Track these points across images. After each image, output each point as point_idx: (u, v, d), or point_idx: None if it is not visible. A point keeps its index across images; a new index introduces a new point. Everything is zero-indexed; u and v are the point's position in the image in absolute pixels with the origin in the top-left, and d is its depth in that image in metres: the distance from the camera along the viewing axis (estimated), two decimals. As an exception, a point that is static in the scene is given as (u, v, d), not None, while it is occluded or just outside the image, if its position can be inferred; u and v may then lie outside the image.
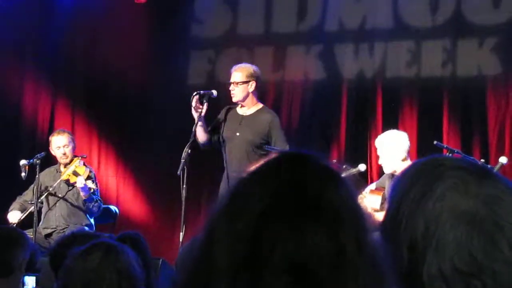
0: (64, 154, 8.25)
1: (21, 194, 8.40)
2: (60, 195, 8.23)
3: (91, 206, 8.11)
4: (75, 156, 8.34)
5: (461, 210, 1.39)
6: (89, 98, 10.47)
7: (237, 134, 7.45)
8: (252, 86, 7.49)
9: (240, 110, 7.60)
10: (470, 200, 1.40)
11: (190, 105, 7.47)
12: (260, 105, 7.62)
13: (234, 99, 7.54)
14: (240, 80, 7.47)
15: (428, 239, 1.38)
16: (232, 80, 7.51)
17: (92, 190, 8.03)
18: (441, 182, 1.43)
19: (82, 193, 8.02)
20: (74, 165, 8.18)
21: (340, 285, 1.15)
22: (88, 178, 8.07)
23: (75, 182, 8.04)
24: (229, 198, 1.25)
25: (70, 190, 8.23)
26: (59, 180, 8.17)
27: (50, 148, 8.39)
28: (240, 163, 7.30)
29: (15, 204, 8.32)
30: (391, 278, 1.22)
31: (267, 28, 10.06)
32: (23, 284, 4.17)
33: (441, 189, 1.42)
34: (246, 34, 10.17)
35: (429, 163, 1.50)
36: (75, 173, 8.09)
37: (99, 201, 8.19)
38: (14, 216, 8.15)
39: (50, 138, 8.47)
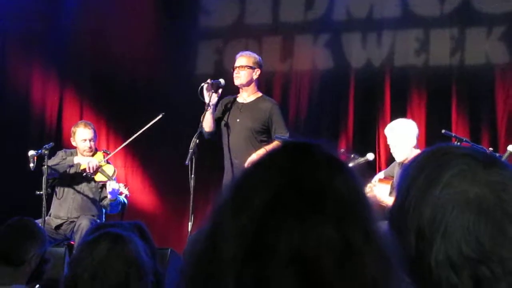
0: (90, 147, 8.23)
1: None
2: (75, 187, 8.19)
3: (114, 207, 8.11)
4: (97, 150, 8.34)
5: (468, 197, 1.39)
6: (97, 89, 10.47)
7: (238, 120, 7.50)
8: (257, 73, 7.59)
9: (240, 98, 7.66)
10: (477, 187, 1.40)
11: (200, 95, 7.50)
12: (260, 94, 7.70)
13: (237, 82, 7.60)
14: (247, 64, 7.56)
15: (436, 226, 1.39)
16: (237, 64, 7.61)
17: (123, 195, 8.03)
18: (448, 169, 1.43)
19: (109, 196, 8.00)
20: (101, 163, 8.15)
21: (347, 277, 1.15)
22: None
23: (101, 181, 8.05)
24: (233, 190, 1.24)
25: (86, 184, 8.18)
26: (83, 172, 8.13)
27: (71, 138, 8.34)
28: (241, 149, 7.36)
29: (56, 159, 8.22)
30: (399, 268, 1.22)
31: (274, 17, 10.05)
32: None
33: (448, 176, 1.42)
34: (254, 24, 10.17)
35: (436, 151, 1.51)
36: (104, 173, 8.08)
37: (123, 202, 8.18)
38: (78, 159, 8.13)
39: (73, 129, 8.38)
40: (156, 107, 9.97)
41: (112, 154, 8.41)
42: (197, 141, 7.29)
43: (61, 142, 8.47)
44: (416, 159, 1.53)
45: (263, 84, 9.24)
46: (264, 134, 7.47)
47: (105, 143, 10.23)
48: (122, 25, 10.22)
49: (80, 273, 2.69)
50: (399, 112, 8.68)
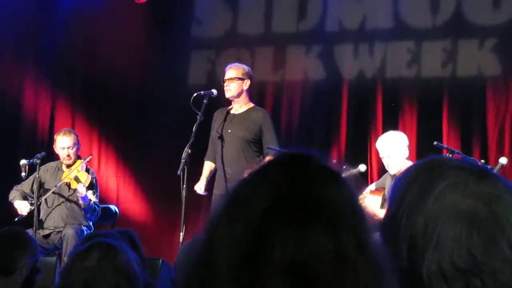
0: (68, 155, 8.17)
1: (17, 184, 8.32)
2: (60, 197, 8.17)
3: (88, 215, 8.07)
4: (79, 158, 8.30)
5: (461, 209, 1.40)
6: (89, 98, 10.46)
7: (229, 131, 7.52)
8: (246, 84, 7.61)
9: (232, 110, 7.70)
10: (470, 199, 1.41)
11: (192, 105, 7.52)
12: (252, 104, 7.72)
13: (227, 95, 7.63)
14: (236, 76, 7.59)
15: (428, 237, 1.39)
16: (227, 77, 7.64)
17: (91, 202, 7.97)
18: (441, 181, 1.44)
19: (80, 202, 7.97)
20: (77, 169, 8.12)
21: (340, 285, 1.15)
22: (90, 186, 8.02)
23: (76, 189, 8.01)
24: (229, 200, 1.25)
25: (71, 194, 8.16)
26: (60, 183, 8.11)
27: (54, 146, 8.35)
28: (233, 160, 7.39)
29: (15, 192, 8.20)
30: (392, 279, 1.22)
31: (267, 28, 10.06)
32: None
33: (441, 188, 1.43)
34: (246, 34, 10.18)
35: (429, 163, 1.51)
36: (77, 179, 8.04)
37: (97, 209, 8.12)
38: (23, 207, 7.98)
39: (55, 136, 8.38)
40: (148, 116, 10.00)
41: (85, 161, 8.32)
42: (189, 151, 7.30)
43: (53, 151, 8.43)
44: (409, 170, 1.53)
45: (255, 94, 9.24)
46: (258, 144, 7.50)
47: (97, 151, 10.21)
48: (115, 34, 10.22)
49: (71, 283, 2.69)
50: (391, 123, 8.70)
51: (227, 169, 7.42)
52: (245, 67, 7.78)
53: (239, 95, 7.61)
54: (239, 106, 7.65)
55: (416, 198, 1.43)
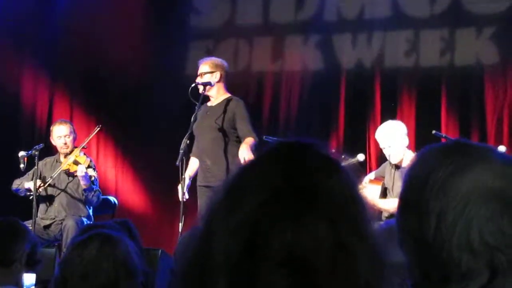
0: (65, 144, 8.25)
1: (17, 178, 8.35)
2: (60, 187, 8.22)
3: (90, 196, 8.11)
4: (76, 147, 8.33)
5: (493, 188, 1.45)
6: (87, 89, 10.46)
7: (205, 123, 7.49)
8: (216, 76, 7.58)
9: (209, 103, 7.68)
10: (502, 180, 1.46)
11: (190, 95, 7.50)
12: (228, 95, 7.68)
13: (200, 90, 7.60)
14: (204, 71, 7.59)
15: (460, 210, 1.43)
16: (198, 72, 7.59)
17: (93, 178, 8.04)
18: (473, 160, 1.49)
19: (82, 182, 8.00)
20: (75, 155, 8.18)
21: (339, 277, 1.15)
22: (89, 167, 8.08)
23: (76, 172, 8.04)
24: (227, 190, 1.24)
25: (70, 182, 8.22)
26: (59, 170, 8.15)
27: (50, 138, 8.40)
28: (209, 151, 7.41)
29: (19, 180, 8.28)
30: (391, 268, 1.22)
31: (265, 18, 10.05)
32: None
33: (474, 166, 1.47)
34: (244, 24, 10.17)
35: (460, 143, 1.57)
36: (76, 162, 8.09)
37: (98, 191, 8.19)
38: (35, 185, 8.01)
39: (51, 128, 8.47)
40: (147, 107, 10.00)
41: (84, 143, 8.38)
42: (188, 141, 7.30)
43: (51, 145, 8.44)
44: (436, 147, 1.57)
45: (255, 84, 9.27)
46: (236, 133, 7.47)
47: (95, 143, 10.21)
48: (113, 25, 10.20)
49: (70, 274, 2.69)
50: (389, 112, 8.69)
51: (205, 160, 7.43)
52: (216, 59, 7.77)
53: (208, 89, 7.60)
54: (215, 99, 7.64)
55: (450, 172, 1.47)
